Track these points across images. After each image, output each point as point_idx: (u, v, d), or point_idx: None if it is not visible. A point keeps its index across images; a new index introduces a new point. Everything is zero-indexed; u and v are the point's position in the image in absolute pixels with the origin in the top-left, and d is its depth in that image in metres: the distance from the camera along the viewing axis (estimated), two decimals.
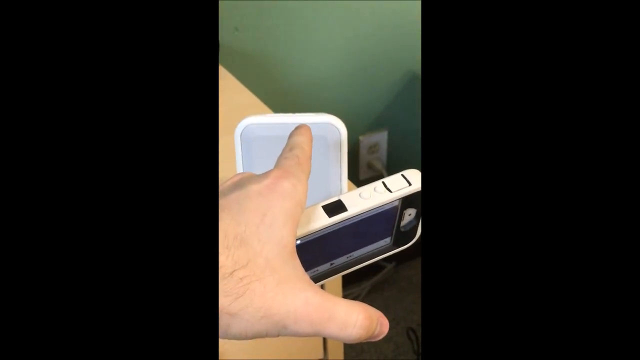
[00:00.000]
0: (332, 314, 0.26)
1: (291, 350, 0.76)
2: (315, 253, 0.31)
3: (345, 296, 1.53)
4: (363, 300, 1.37)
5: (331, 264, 0.33)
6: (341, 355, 0.81)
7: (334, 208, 0.31)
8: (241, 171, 0.52)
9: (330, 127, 0.51)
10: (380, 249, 0.35)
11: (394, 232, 0.35)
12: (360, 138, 1.38)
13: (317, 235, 0.30)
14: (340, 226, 0.31)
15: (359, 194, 0.32)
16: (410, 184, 0.32)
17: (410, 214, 0.34)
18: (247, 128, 0.51)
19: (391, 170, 1.44)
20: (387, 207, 0.32)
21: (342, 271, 0.34)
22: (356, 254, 0.34)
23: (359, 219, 0.32)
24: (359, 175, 1.44)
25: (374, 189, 0.32)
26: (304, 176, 0.30)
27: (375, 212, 0.32)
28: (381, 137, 1.41)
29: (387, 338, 1.45)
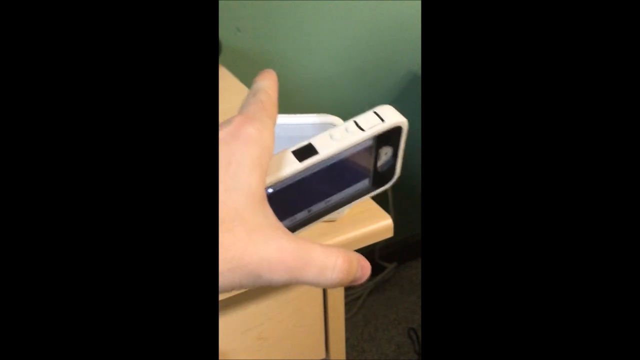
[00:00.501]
0: (309, 259, 0.25)
1: (293, 351, 0.76)
2: (290, 201, 0.30)
3: (346, 296, 1.53)
4: (364, 301, 1.36)
5: (309, 211, 0.32)
6: (343, 356, 0.81)
7: (305, 152, 0.29)
8: None
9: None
10: (359, 191, 0.33)
11: (371, 172, 0.33)
12: None
13: (289, 182, 0.29)
14: (314, 171, 0.29)
15: (330, 136, 0.30)
16: (383, 120, 0.30)
17: (386, 152, 0.32)
18: None
19: None
20: (361, 147, 0.31)
21: (321, 217, 0.33)
22: (334, 198, 0.32)
23: (333, 161, 0.30)
24: None
25: (346, 129, 0.30)
26: (270, 121, 0.28)
27: (349, 153, 0.30)
28: None
29: (389, 338, 1.45)
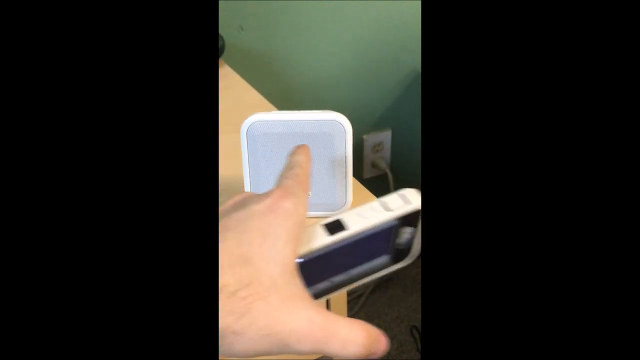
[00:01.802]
0: (334, 333, 0.27)
1: None
2: (314, 271, 0.32)
3: (348, 294, 1.52)
4: (367, 299, 1.36)
5: (331, 282, 0.34)
6: None
7: (334, 227, 0.31)
8: (247, 167, 0.53)
9: (336, 124, 0.51)
10: (379, 266, 0.35)
11: (391, 249, 0.35)
12: (365, 137, 1.38)
13: (317, 254, 0.31)
14: (340, 245, 0.31)
15: (358, 213, 0.32)
16: (410, 203, 0.33)
17: (406, 232, 0.34)
18: (253, 125, 0.51)
19: (395, 169, 1.44)
20: (385, 226, 0.33)
21: (340, 288, 0.35)
22: (355, 271, 0.34)
23: (358, 237, 0.32)
24: (363, 174, 1.44)
25: (371, 208, 0.32)
26: (304, 195, 0.30)
27: (374, 231, 0.32)
28: (385, 136, 1.41)
29: (391, 336, 1.45)
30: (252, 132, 0.52)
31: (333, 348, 0.27)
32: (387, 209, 0.32)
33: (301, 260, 0.30)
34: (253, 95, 0.87)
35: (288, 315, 0.26)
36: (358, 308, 1.52)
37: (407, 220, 0.33)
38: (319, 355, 0.28)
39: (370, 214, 0.32)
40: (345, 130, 0.52)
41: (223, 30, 0.99)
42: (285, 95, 1.21)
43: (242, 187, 0.54)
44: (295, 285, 0.27)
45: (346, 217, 0.32)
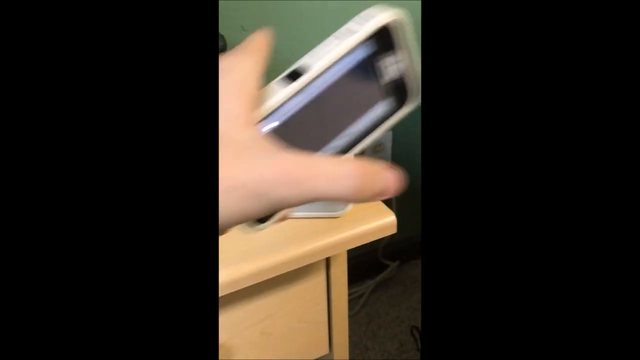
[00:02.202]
0: (318, 169, 0.23)
1: (296, 347, 0.77)
2: (304, 136, 0.28)
3: (349, 294, 1.52)
4: (367, 299, 1.36)
5: (332, 148, 0.29)
6: (346, 353, 0.81)
7: (293, 75, 0.27)
8: None
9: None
10: (382, 115, 0.30)
11: (383, 90, 0.29)
12: None
13: (289, 113, 0.27)
14: (311, 95, 0.27)
15: (316, 53, 0.28)
16: (374, 17, 0.27)
17: (388, 61, 0.28)
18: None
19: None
20: (355, 59, 0.27)
21: (353, 147, 0.30)
22: (354, 129, 0.29)
23: (328, 82, 0.27)
24: None
25: (330, 41, 0.27)
26: (254, 51, 0.28)
27: (344, 69, 0.27)
28: (386, 137, 1.41)
29: (392, 336, 1.45)
30: None
31: (320, 185, 0.23)
32: (349, 34, 0.27)
33: (277, 122, 0.27)
34: None
35: (251, 162, 0.23)
36: (358, 308, 1.52)
37: (380, 44, 0.28)
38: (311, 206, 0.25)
39: (329, 48, 0.27)
40: None
41: (225, 30, 0.99)
42: None
43: None
44: (255, 135, 0.24)
45: (304, 60, 0.28)
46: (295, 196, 0.23)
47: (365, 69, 0.28)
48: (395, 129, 1.41)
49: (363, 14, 0.28)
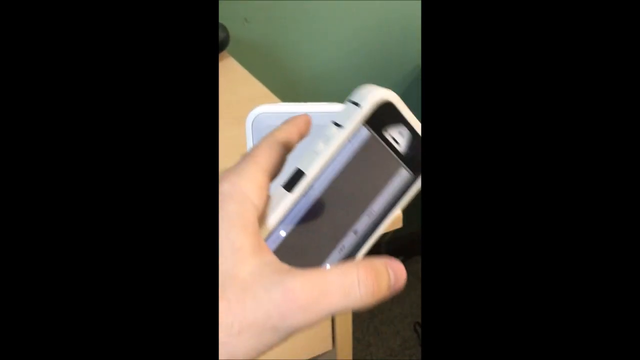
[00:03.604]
0: (325, 286, 0.23)
1: (299, 342, 0.76)
2: (321, 232, 0.27)
3: None
4: None
5: (355, 232, 0.29)
6: (349, 349, 0.81)
7: (293, 179, 0.26)
8: None
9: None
10: (402, 187, 0.29)
11: (399, 161, 0.28)
12: None
13: (301, 215, 0.26)
14: (322, 190, 0.26)
15: (314, 151, 0.26)
16: (358, 105, 0.26)
17: (399, 132, 0.28)
18: (259, 117, 0.51)
19: None
20: (358, 144, 0.27)
21: (375, 231, 0.29)
22: (376, 207, 0.29)
23: (337, 171, 0.27)
24: None
25: (326, 136, 0.27)
26: (254, 166, 0.26)
27: (351, 155, 0.27)
28: None
29: (394, 332, 1.45)
30: (258, 124, 0.51)
31: (333, 302, 0.23)
32: (339, 125, 0.26)
33: (284, 232, 0.26)
34: (258, 88, 0.87)
35: (255, 300, 0.23)
36: None
37: (381, 122, 0.27)
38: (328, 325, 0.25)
39: (325, 144, 0.26)
40: None
41: (227, 22, 0.98)
42: (290, 89, 1.20)
43: None
44: (260, 265, 0.24)
45: (304, 162, 0.26)
46: (307, 320, 0.23)
47: (369, 147, 0.27)
48: None
49: (354, 94, 0.27)
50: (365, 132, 0.27)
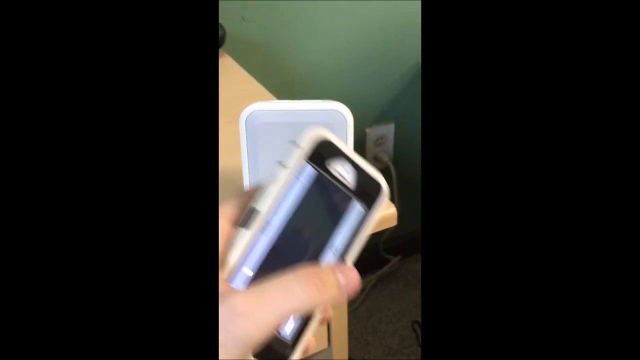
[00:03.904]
0: (264, 292, 0.24)
1: None
2: (288, 268, 0.27)
3: None
4: (368, 294, 1.36)
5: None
6: (345, 347, 0.81)
7: (247, 216, 0.28)
8: (245, 157, 0.52)
9: (336, 114, 0.50)
10: (357, 221, 0.30)
11: (350, 196, 0.30)
12: (367, 130, 1.37)
13: (265, 250, 0.28)
14: (281, 226, 0.28)
15: (266, 191, 0.29)
16: (299, 146, 0.29)
17: (343, 168, 0.30)
18: (252, 114, 0.50)
19: (397, 163, 1.43)
20: (306, 182, 0.29)
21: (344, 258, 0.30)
22: (338, 241, 0.30)
23: (292, 208, 0.29)
24: None
25: (274, 177, 0.29)
26: (221, 219, 0.28)
27: (301, 193, 0.29)
28: (388, 130, 1.40)
29: (393, 331, 1.45)
30: (251, 122, 0.51)
31: (277, 302, 0.24)
32: (284, 165, 0.28)
33: (251, 272, 0.27)
34: (254, 86, 0.86)
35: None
36: (359, 303, 1.52)
37: (321, 157, 0.29)
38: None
39: (273, 183, 0.28)
40: (346, 120, 0.51)
41: (224, 20, 0.98)
42: (287, 87, 1.20)
43: (242, 178, 0.54)
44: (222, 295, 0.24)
45: (256, 202, 0.28)
46: (254, 324, 0.24)
47: (317, 184, 0.30)
48: (397, 121, 1.40)
49: (299, 137, 0.29)
50: (310, 169, 0.29)
